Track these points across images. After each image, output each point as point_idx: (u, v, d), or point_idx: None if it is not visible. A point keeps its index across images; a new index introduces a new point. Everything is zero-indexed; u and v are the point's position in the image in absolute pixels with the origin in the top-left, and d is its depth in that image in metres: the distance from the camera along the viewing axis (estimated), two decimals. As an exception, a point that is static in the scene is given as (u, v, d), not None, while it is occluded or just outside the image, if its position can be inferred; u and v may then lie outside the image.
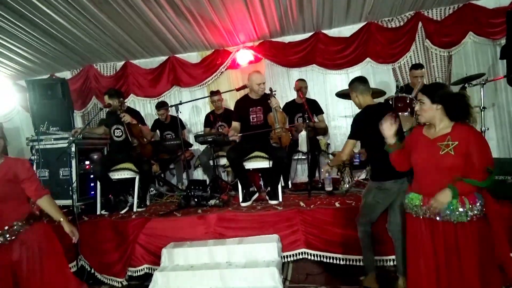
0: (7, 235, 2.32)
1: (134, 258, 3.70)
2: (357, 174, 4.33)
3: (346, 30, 5.44)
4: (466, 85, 3.90)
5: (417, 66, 4.40)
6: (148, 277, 3.52)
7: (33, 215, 2.47)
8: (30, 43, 5.18)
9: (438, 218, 2.02)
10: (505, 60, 4.10)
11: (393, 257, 3.06)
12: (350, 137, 2.92)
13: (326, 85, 5.59)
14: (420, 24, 5.14)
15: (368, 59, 5.34)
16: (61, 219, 2.51)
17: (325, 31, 5.46)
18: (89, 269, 3.84)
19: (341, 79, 5.52)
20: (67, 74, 6.25)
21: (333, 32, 5.49)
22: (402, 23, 5.23)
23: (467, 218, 1.96)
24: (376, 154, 2.73)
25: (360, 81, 3.01)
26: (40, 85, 4.96)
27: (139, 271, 3.69)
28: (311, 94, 5.53)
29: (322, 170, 2.85)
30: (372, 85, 5.10)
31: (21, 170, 2.39)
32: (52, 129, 4.48)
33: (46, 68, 6.08)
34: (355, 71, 5.40)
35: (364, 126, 2.80)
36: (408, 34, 5.17)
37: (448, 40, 5.06)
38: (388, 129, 2.30)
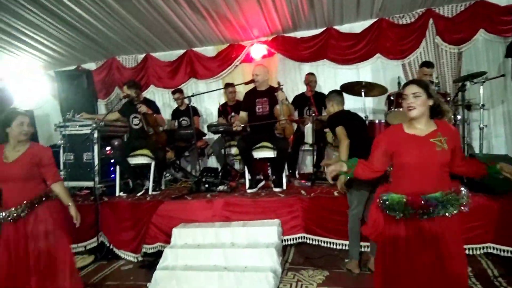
0: (26, 209, 2.58)
1: (148, 237, 3.98)
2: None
3: (357, 26, 5.54)
4: (468, 82, 3.99)
5: (428, 64, 4.48)
6: (160, 254, 3.72)
7: (48, 193, 2.73)
8: (59, 36, 5.55)
9: (425, 217, 1.98)
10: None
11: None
12: (335, 127, 3.25)
13: (336, 79, 5.69)
14: (431, 21, 5.18)
15: (378, 54, 5.43)
16: (70, 204, 2.76)
17: (336, 27, 5.59)
18: (108, 245, 4.18)
19: (351, 74, 5.62)
20: (92, 65, 6.61)
21: (345, 28, 5.60)
22: (413, 20, 5.28)
23: (456, 210, 1.98)
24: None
25: (337, 93, 3.53)
26: (67, 76, 5.39)
27: (153, 249, 3.97)
28: (322, 88, 5.68)
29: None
30: (382, 80, 5.28)
31: (44, 156, 2.67)
32: (77, 116, 4.84)
33: (73, 59, 6.46)
34: (365, 66, 5.54)
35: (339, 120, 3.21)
36: (419, 31, 5.23)
37: (459, 37, 5.08)
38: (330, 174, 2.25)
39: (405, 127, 2.12)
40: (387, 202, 2.08)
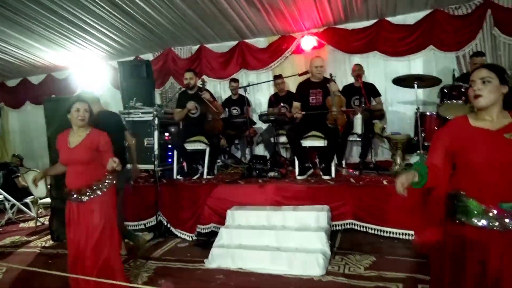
0: (90, 192, 2.72)
1: (202, 217, 4.24)
2: (409, 157, 4.54)
3: (411, 18, 5.50)
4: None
5: (478, 54, 4.42)
6: (213, 234, 4.02)
7: (108, 179, 2.84)
8: (121, 28, 5.93)
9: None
10: None
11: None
12: None
13: (386, 71, 5.72)
14: (489, 11, 5.05)
15: (431, 46, 5.38)
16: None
17: (389, 19, 5.58)
18: (165, 223, 4.50)
19: (402, 65, 5.63)
20: (149, 56, 7.01)
21: (397, 19, 5.59)
22: (470, 11, 5.18)
23: None
24: None
25: None
26: (128, 66, 5.76)
27: (207, 229, 4.23)
28: (371, 79, 5.68)
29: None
30: (434, 72, 5.22)
31: (102, 141, 2.78)
32: (137, 104, 5.20)
33: (132, 50, 6.89)
34: (416, 58, 5.52)
35: None
36: (476, 22, 5.12)
37: (519, 28, 4.94)
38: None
39: (471, 119, 1.76)
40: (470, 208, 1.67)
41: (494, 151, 1.63)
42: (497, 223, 1.60)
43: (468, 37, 5.18)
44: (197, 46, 6.73)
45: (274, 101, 5.70)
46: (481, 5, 5.09)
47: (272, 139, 5.09)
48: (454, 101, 3.86)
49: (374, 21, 5.64)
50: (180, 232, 4.41)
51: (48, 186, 5.15)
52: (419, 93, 4.67)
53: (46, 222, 5.21)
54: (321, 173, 4.37)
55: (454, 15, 5.27)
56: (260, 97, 6.51)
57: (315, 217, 3.67)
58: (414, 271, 3.02)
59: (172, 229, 4.47)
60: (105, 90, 7.33)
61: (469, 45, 5.18)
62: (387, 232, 3.64)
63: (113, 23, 5.76)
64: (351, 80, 5.44)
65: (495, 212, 1.60)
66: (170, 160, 5.19)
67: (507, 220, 1.58)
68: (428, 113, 4.43)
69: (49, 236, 4.80)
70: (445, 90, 3.95)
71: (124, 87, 5.76)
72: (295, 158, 4.50)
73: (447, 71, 5.21)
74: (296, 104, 4.57)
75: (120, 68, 5.80)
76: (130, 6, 5.19)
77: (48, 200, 5.23)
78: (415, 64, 5.59)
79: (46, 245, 4.65)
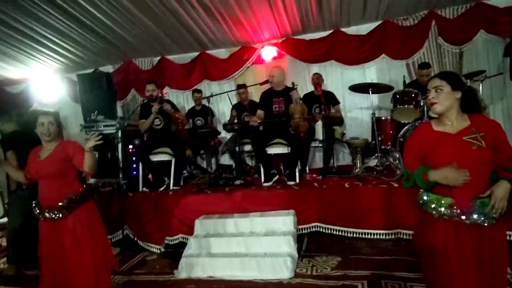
0: (64, 210, 2.57)
1: (170, 229, 4.22)
2: (368, 160, 4.78)
3: (364, 28, 5.80)
4: (468, 80, 4.25)
5: (424, 66, 4.75)
6: (182, 245, 4.02)
7: (85, 193, 2.71)
8: (78, 40, 5.74)
9: (467, 222, 1.78)
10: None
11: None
12: None
13: (343, 79, 5.99)
14: (433, 22, 5.43)
15: (383, 55, 5.69)
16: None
17: (343, 29, 5.85)
18: (132, 237, 4.44)
19: (358, 73, 5.91)
20: (109, 68, 6.88)
21: (352, 30, 5.87)
22: (416, 22, 5.55)
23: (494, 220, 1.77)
24: None
25: None
26: (88, 79, 5.68)
27: (175, 240, 4.21)
28: (329, 87, 5.94)
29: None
30: (387, 80, 5.54)
31: (72, 147, 2.63)
32: (99, 117, 5.10)
33: (91, 62, 6.73)
34: (370, 66, 5.82)
35: None
36: (422, 32, 5.48)
37: (460, 37, 5.33)
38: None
39: (434, 124, 1.94)
40: (435, 204, 1.87)
41: (454, 153, 1.79)
42: (463, 217, 1.79)
43: (416, 46, 5.53)
44: (158, 58, 6.71)
45: (237, 110, 5.78)
46: (426, 16, 5.47)
47: (237, 148, 5.17)
48: (406, 105, 4.14)
49: (330, 31, 5.90)
50: (147, 245, 4.37)
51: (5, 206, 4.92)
52: (374, 99, 4.95)
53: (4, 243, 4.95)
54: (286, 179, 4.50)
55: (402, 26, 5.63)
56: (223, 107, 6.59)
57: (282, 221, 3.79)
58: (377, 269, 3.20)
59: (140, 242, 4.42)
60: (63, 103, 7.13)
61: (417, 53, 5.54)
62: (351, 232, 3.81)
63: (70, 35, 5.59)
64: (311, 88, 5.64)
65: (457, 207, 1.80)
66: (135, 172, 5.13)
67: (465, 216, 1.78)
68: (383, 118, 4.71)
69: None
70: (397, 96, 4.22)
71: (84, 100, 5.65)
72: (261, 165, 4.60)
73: (399, 78, 5.56)
74: (260, 112, 4.72)
75: (80, 81, 5.69)
76: (87, 18, 5.07)
77: (5, 219, 4.99)
78: (370, 72, 5.90)
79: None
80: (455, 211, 1.80)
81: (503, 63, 5.19)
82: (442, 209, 1.83)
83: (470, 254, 1.78)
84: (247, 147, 5.40)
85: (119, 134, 4.62)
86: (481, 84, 4.35)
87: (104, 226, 2.84)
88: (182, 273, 3.54)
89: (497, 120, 5.12)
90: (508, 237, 2.82)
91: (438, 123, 1.93)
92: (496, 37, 5.24)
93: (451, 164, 1.76)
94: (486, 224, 1.76)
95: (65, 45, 5.93)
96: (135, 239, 4.45)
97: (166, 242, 4.26)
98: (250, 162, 5.84)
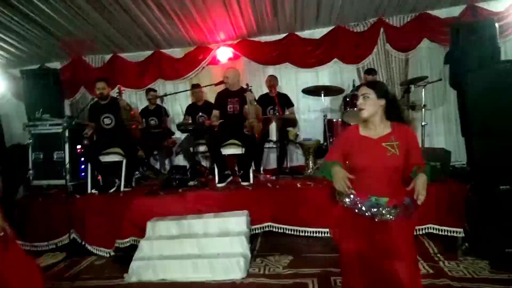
0: None
1: (121, 231, 4.06)
2: (320, 161, 4.91)
3: (317, 33, 5.97)
4: (412, 85, 4.51)
5: (369, 72, 4.99)
6: (133, 248, 3.87)
7: None
8: (22, 34, 5.47)
9: (376, 219, 1.96)
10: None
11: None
12: None
13: (297, 81, 6.13)
14: (382, 29, 5.71)
15: (335, 59, 5.88)
16: None
17: (298, 33, 5.99)
18: (80, 241, 4.24)
19: (311, 76, 6.08)
20: (57, 65, 6.54)
21: (305, 34, 6.02)
22: (366, 28, 5.80)
23: (394, 217, 1.94)
24: None
25: None
26: (33, 75, 5.39)
27: (125, 243, 4.04)
28: (284, 89, 6.05)
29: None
30: (339, 82, 5.74)
31: None
32: (44, 116, 4.85)
33: (37, 58, 6.36)
34: (323, 70, 6.00)
35: None
36: (371, 38, 5.74)
37: (406, 44, 5.65)
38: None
39: (360, 128, 2.10)
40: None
41: (372, 157, 1.97)
42: (368, 213, 1.97)
43: (365, 52, 5.77)
44: (110, 55, 6.50)
45: (192, 110, 5.73)
46: (375, 23, 5.73)
47: (191, 149, 5.12)
48: (355, 108, 4.31)
49: (284, 34, 6.01)
50: (96, 249, 4.20)
51: None
52: (326, 101, 5.11)
53: None
54: (240, 180, 4.51)
55: (353, 32, 5.86)
56: (178, 107, 6.48)
57: (235, 222, 3.78)
58: (327, 266, 3.30)
59: (88, 246, 4.23)
60: (4, 101, 6.69)
61: (367, 59, 5.78)
62: (302, 231, 3.88)
63: (13, 28, 5.29)
64: (266, 90, 5.72)
65: (366, 203, 1.98)
66: (83, 174, 4.92)
67: (374, 210, 1.96)
68: (334, 120, 4.87)
69: None
70: (347, 99, 4.39)
71: (29, 98, 5.35)
72: (215, 166, 4.59)
73: (351, 81, 5.77)
74: (215, 112, 4.72)
75: (24, 77, 5.37)
76: (33, 11, 4.83)
77: None
78: (323, 75, 6.08)
79: None
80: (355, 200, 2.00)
81: (444, 70, 5.54)
82: (347, 199, 2.02)
83: (367, 241, 1.99)
84: (202, 148, 5.35)
85: (66, 134, 4.41)
86: (423, 89, 4.62)
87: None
88: (132, 277, 3.44)
89: (438, 122, 5.54)
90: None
91: (364, 128, 2.09)
92: (437, 45, 5.59)
93: (367, 166, 1.98)
94: (379, 219, 1.96)
95: (7, 38, 5.60)
96: (83, 243, 4.26)
97: (117, 245, 4.10)
98: (204, 163, 5.80)
